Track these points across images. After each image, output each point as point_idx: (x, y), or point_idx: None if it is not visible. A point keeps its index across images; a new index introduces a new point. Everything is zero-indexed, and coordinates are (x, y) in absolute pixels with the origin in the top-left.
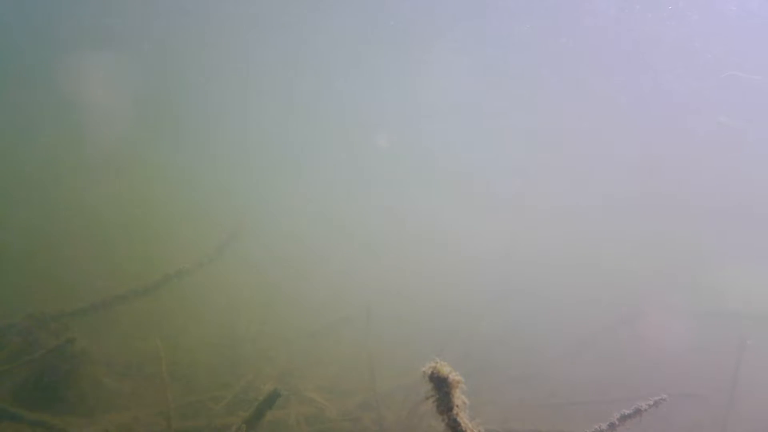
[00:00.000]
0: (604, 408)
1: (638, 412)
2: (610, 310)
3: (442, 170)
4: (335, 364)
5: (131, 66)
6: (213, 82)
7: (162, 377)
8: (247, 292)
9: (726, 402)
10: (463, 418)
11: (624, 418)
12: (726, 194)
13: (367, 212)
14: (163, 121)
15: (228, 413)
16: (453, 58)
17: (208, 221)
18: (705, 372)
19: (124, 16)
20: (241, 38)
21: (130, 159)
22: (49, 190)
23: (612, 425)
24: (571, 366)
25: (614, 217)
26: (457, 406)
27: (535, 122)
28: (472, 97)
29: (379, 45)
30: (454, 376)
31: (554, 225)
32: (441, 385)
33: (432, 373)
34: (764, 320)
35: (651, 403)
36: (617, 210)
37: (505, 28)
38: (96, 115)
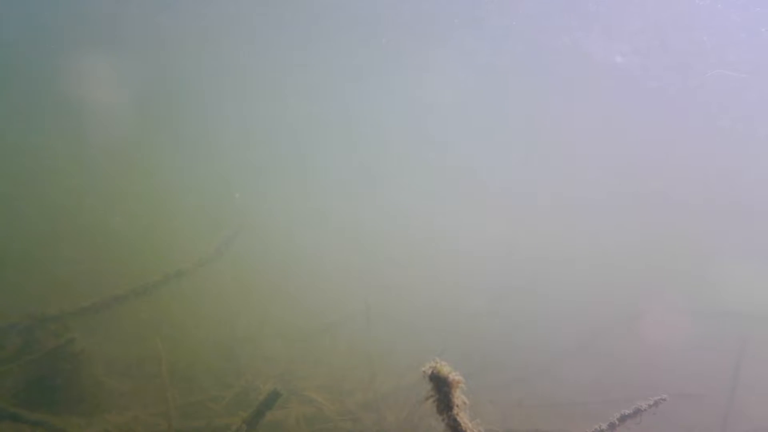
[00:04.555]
0: (604, 408)
1: (638, 412)
2: (611, 310)
3: (441, 169)
4: (335, 364)
5: (131, 65)
6: (213, 81)
7: (162, 377)
8: (247, 292)
9: (726, 402)
10: (463, 418)
11: (624, 418)
12: (727, 192)
13: (366, 212)
14: (163, 121)
15: (228, 413)
16: (453, 55)
17: (207, 221)
18: (705, 372)
19: (124, 14)
20: (241, 37)
21: (130, 159)
22: (49, 190)
23: (612, 425)
24: (571, 366)
25: (614, 216)
26: (457, 406)
27: (535, 120)
28: (470, 95)
29: (380, 43)
30: (454, 376)
31: (554, 225)
32: (441, 385)
33: (432, 373)
34: (764, 320)
35: (651, 403)
36: (617, 209)
37: (503, 24)
38: (96, 114)
